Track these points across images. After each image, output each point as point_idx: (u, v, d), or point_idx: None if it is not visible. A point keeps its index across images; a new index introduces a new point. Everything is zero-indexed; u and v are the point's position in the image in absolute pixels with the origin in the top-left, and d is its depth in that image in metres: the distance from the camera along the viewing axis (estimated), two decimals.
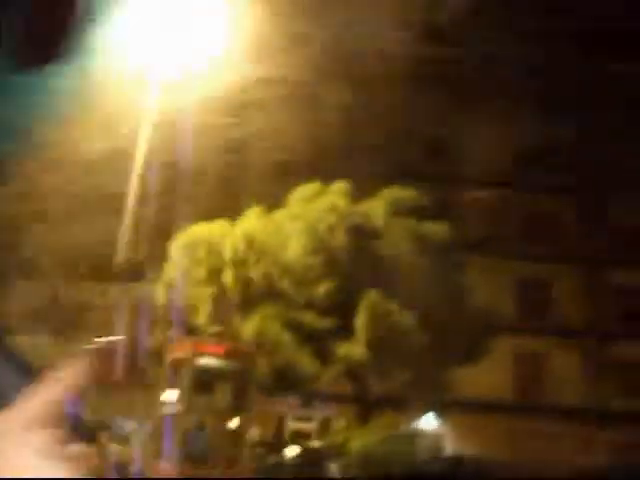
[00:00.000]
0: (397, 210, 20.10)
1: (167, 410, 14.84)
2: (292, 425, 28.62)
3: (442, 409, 31.23)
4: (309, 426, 23.80)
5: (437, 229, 20.16)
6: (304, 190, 20.62)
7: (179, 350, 15.42)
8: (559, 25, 31.61)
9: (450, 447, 31.82)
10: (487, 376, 32.16)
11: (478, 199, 32.02)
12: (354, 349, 19.02)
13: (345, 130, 26.71)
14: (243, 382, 15.26)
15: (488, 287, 32.40)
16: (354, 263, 19.27)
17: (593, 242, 33.21)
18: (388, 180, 21.90)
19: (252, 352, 16.82)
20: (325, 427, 22.69)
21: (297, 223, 19.77)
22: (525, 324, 32.96)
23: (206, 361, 14.98)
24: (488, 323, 20.91)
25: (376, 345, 18.59)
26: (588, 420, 32.14)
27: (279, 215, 20.59)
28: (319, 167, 24.15)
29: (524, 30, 32.13)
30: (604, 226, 33.46)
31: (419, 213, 20.15)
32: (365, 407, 21.55)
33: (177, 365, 15.25)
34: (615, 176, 32.90)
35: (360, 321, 18.77)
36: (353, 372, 20.06)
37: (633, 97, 32.80)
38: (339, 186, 20.38)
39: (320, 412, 24.73)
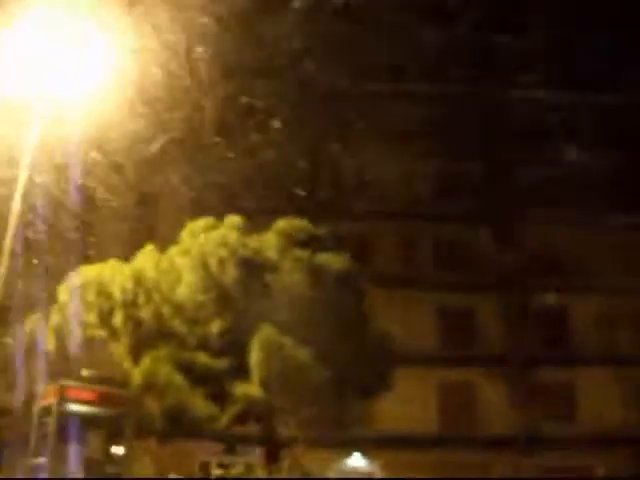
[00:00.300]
0: (291, 242, 19.56)
1: (37, 460, 13.99)
2: (216, 471, 27.68)
3: (368, 445, 30.62)
4: (234, 471, 23.17)
5: (334, 260, 19.63)
6: (195, 225, 19.95)
7: (48, 396, 14.52)
8: (457, 54, 32.07)
9: None
10: (412, 409, 31.64)
11: (391, 230, 31.90)
12: (251, 388, 18.27)
13: (249, 165, 26.25)
14: (118, 429, 14.40)
15: (409, 318, 32.12)
16: (247, 298, 18.62)
17: (510, 267, 33.17)
18: (294, 215, 21.45)
19: (130, 397, 15.96)
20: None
21: (187, 259, 19.08)
22: (448, 354, 32.55)
23: (74, 407, 14.11)
24: (392, 354, 20.34)
25: (271, 382, 17.87)
26: (516, 447, 31.75)
27: (171, 252, 19.87)
28: (223, 204, 23.59)
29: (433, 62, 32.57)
30: (520, 251, 33.48)
31: (314, 244, 19.63)
32: (272, 448, 20.71)
33: (46, 412, 14.35)
34: (526, 199, 33.16)
35: (253, 358, 18.04)
36: (253, 412, 19.25)
37: (535, 122, 33.43)
38: (232, 220, 19.76)
39: (245, 457, 23.98)
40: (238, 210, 21.07)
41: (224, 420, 18.82)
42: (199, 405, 18.14)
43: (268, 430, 20.18)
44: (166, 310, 19.05)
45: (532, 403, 32.36)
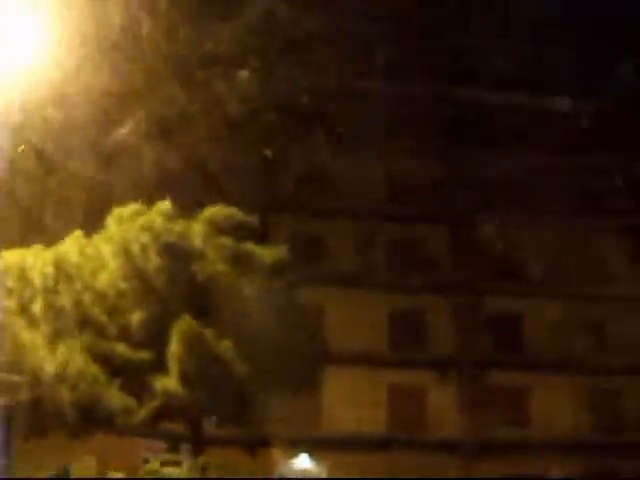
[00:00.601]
0: (219, 230, 18.84)
1: None
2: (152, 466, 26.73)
3: (316, 447, 29.92)
4: (177, 471, 22.37)
5: (265, 251, 18.94)
6: (122, 211, 19.18)
7: None
8: (426, 58, 31.65)
9: None
10: (360, 410, 31.01)
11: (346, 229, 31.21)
12: (170, 382, 17.52)
13: (213, 158, 25.33)
14: (9, 418, 13.63)
15: (359, 319, 31.48)
16: (170, 286, 17.89)
17: (465, 271, 32.61)
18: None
19: (25, 385, 15.15)
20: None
21: (111, 245, 18.33)
22: (399, 356, 31.91)
23: None
24: (322, 351, 19.68)
25: (189, 376, 17.13)
26: (468, 452, 31.21)
27: (96, 238, 19.11)
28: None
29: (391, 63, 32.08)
30: (476, 253, 32.94)
31: (242, 233, 18.93)
32: (197, 446, 19.98)
33: None
34: (485, 202, 32.65)
35: (172, 351, 17.30)
36: (175, 408, 18.49)
37: (502, 126, 33.05)
38: (160, 206, 19.00)
39: (189, 455, 23.20)
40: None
41: (142, 414, 18.03)
42: (114, 397, 17.36)
43: (192, 427, 19.46)
44: (87, 298, 18.28)
45: (483, 407, 31.82)
